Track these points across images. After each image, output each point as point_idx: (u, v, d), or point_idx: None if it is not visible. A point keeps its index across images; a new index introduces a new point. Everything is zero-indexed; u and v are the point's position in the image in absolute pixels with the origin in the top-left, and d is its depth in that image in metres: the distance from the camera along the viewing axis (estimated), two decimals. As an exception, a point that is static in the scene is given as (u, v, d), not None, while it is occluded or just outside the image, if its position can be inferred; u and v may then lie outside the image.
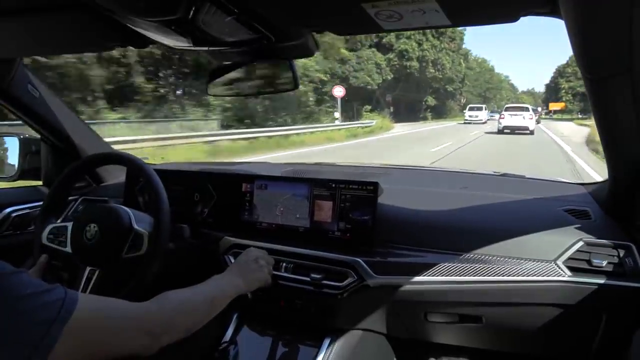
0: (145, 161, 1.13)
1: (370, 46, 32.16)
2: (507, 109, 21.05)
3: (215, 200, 1.26)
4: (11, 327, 0.51)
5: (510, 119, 19.75)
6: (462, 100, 55.28)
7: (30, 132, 1.49)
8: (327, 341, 1.08)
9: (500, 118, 20.72)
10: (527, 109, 20.42)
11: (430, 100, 43.65)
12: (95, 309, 0.61)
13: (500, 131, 19.44)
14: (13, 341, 0.50)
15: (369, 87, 30.47)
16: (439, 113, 47.76)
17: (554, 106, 55.20)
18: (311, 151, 11.65)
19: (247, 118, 15.17)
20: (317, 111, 20.60)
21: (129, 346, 0.64)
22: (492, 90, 78.48)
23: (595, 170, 7.86)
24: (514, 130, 19.11)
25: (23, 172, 1.45)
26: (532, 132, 18.93)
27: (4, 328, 0.50)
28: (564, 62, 58.84)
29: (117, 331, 0.63)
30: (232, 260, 1.16)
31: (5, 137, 1.50)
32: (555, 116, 55.52)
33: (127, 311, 0.66)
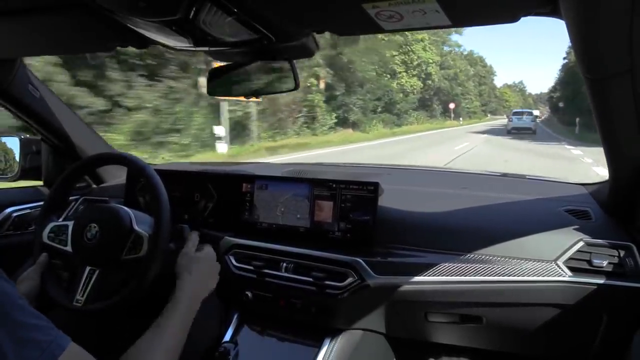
0: (146, 161, 1.13)
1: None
2: (514, 114, 25.63)
3: (216, 201, 1.26)
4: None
5: (517, 122, 23.92)
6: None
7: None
8: (327, 341, 1.07)
9: (508, 121, 25.06)
10: (530, 113, 25.28)
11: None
12: None
13: (509, 132, 22.86)
14: None
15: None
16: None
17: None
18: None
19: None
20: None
21: None
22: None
23: None
24: (520, 131, 22.83)
25: (23, 172, 1.45)
26: (534, 132, 22.78)
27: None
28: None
29: None
30: (234, 261, 1.16)
31: (5, 137, 1.50)
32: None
33: None
